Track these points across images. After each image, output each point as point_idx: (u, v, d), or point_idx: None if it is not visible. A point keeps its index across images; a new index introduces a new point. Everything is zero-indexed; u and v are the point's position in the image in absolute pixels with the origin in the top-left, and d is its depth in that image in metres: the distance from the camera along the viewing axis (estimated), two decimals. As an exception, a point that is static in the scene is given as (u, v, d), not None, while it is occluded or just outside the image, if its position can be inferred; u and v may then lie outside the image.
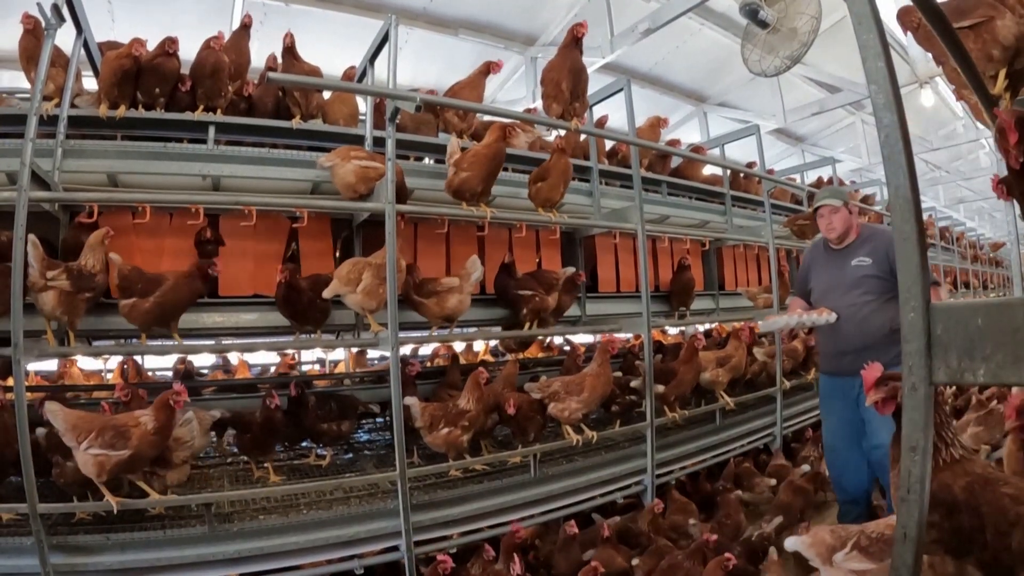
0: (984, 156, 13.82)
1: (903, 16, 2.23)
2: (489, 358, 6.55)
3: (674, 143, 7.07)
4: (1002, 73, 1.98)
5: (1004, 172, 1.68)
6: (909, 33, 2.28)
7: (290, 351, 7.33)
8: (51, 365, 6.03)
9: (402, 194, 3.70)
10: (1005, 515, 1.57)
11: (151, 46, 3.79)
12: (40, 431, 3.02)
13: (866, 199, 9.82)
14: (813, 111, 9.96)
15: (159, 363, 6.87)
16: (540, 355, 7.10)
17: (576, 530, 3.69)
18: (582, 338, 7.31)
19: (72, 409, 3.03)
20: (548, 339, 7.35)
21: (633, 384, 4.74)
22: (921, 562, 1.27)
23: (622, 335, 6.77)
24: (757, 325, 7.10)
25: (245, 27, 4.25)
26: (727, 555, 3.15)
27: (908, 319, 1.25)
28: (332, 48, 5.98)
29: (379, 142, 4.04)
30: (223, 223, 3.77)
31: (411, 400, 3.53)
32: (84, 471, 2.82)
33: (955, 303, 1.24)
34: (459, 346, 7.41)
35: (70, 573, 2.85)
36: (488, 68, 4.81)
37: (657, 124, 6.47)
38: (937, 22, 1.82)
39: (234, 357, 7.24)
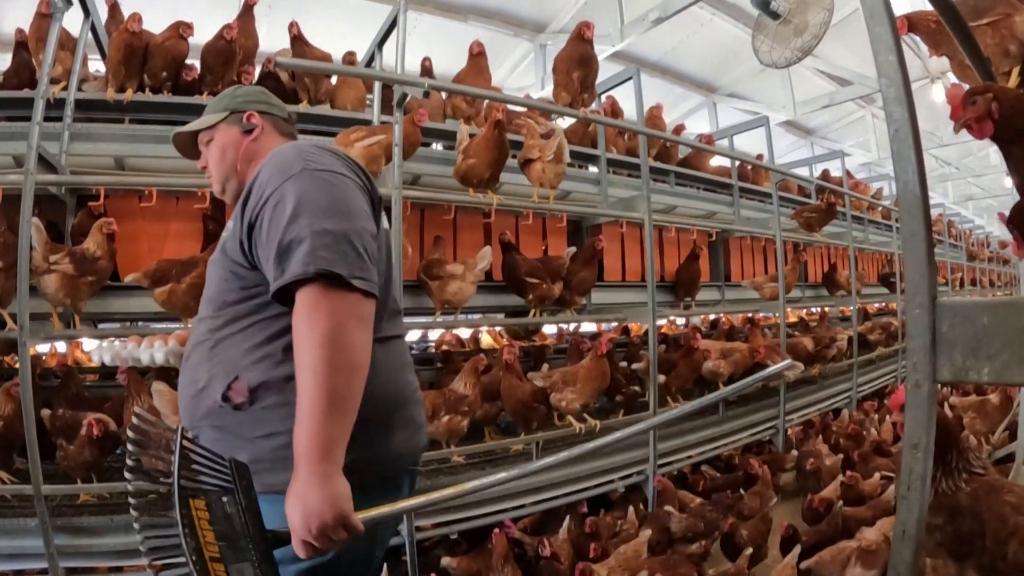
0: (994, 153, 13.71)
1: (915, 20, 2.19)
2: (496, 345, 6.54)
3: (679, 129, 7.03)
4: (1016, 70, 1.96)
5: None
6: (911, 34, 2.25)
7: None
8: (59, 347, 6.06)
9: (412, 141, 3.68)
10: (1005, 524, 1.56)
11: (158, 29, 3.79)
12: (44, 412, 3.04)
13: (875, 194, 9.77)
14: (823, 104, 9.89)
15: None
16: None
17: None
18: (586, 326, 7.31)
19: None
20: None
21: (635, 367, 4.76)
22: (921, 560, 1.27)
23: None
24: (762, 318, 7.12)
25: (248, 8, 4.23)
26: None
27: (913, 315, 1.24)
28: (341, 33, 5.95)
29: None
30: (228, 207, 3.77)
31: (409, 392, 3.51)
32: None
33: (962, 300, 1.23)
34: (467, 335, 7.44)
35: (74, 554, 2.88)
36: (474, 50, 4.86)
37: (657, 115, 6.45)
38: (952, 19, 1.80)
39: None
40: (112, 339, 2.15)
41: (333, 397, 1.26)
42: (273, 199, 1.42)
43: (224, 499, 1.25)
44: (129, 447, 1.29)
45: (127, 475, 1.30)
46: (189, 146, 1.93)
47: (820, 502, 4.04)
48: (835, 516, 3.73)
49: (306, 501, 1.23)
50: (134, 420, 1.30)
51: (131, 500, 1.30)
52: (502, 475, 1.64)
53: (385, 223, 1.67)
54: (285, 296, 1.37)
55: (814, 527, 3.73)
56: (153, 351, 1.84)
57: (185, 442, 1.25)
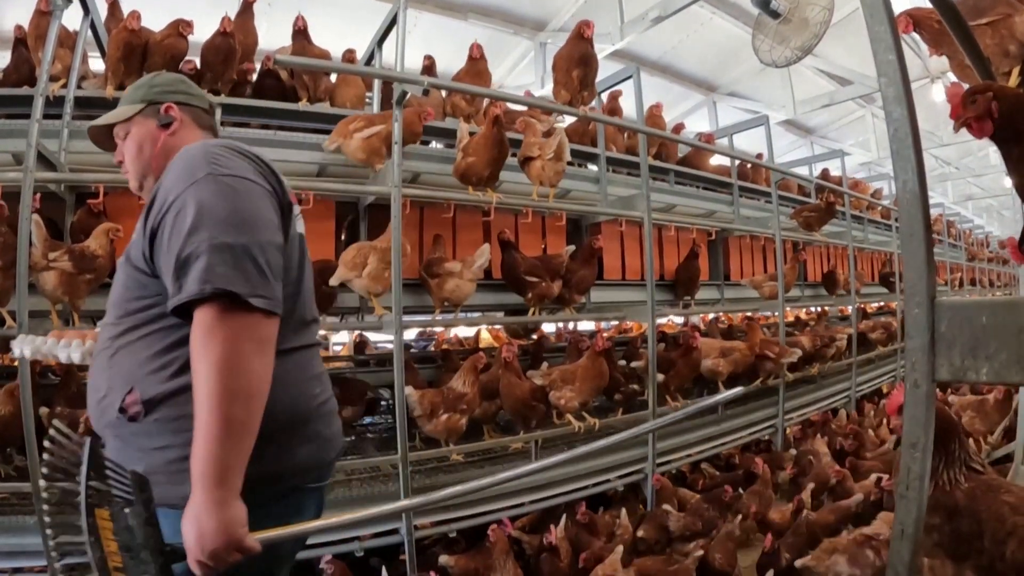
0: (993, 153, 13.69)
1: (919, 17, 2.19)
2: (495, 343, 6.55)
3: (679, 128, 7.03)
4: (1015, 70, 1.96)
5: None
6: (912, 33, 2.25)
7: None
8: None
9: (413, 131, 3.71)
10: (1003, 523, 1.56)
11: (158, 27, 3.79)
12: (43, 410, 3.04)
13: (875, 193, 9.77)
14: (823, 103, 9.88)
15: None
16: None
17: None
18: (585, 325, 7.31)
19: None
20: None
21: (633, 364, 4.76)
22: (919, 560, 1.27)
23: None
24: (763, 317, 7.13)
25: (248, 5, 4.24)
26: None
27: (912, 314, 1.24)
28: (340, 31, 5.95)
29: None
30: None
31: (408, 390, 3.51)
32: None
33: (961, 300, 1.23)
34: (470, 333, 7.46)
35: (73, 551, 2.87)
36: (474, 54, 4.86)
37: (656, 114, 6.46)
38: (952, 19, 1.80)
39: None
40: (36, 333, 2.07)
41: (229, 425, 1.24)
42: (175, 207, 1.36)
43: (126, 511, 1.26)
44: (45, 456, 1.29)
45: (41, 483, 1.31)
46: (105, 139, 1.81)
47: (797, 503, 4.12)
48: (800, 526, 3.73)
49: (200, 525, 1.22)
50: (51, 431, 1.30)
51: (45, 505, 1.30)
52: (418, 499, 1.74)
53: (300, 227, 1.62)
54: (185, 311, 1.31)
55: (781, 540, 3.71)
56: (70, 350, 1.76)
57: (94, 453, 1.27)
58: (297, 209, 1.61)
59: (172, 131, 1.70)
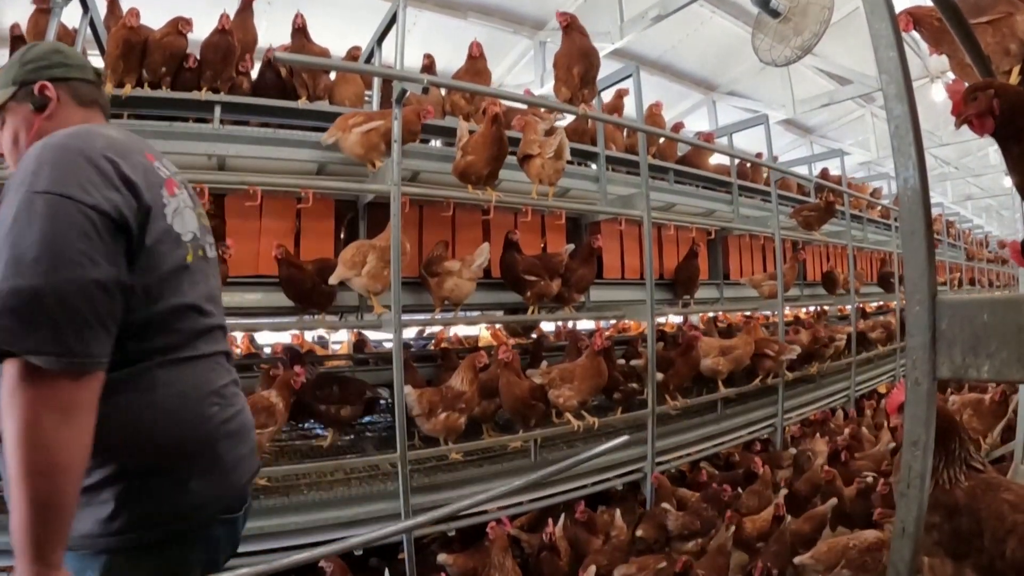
0: (993, 153, 13.72)
1: (919, 16, 2.19)
2: (494, 342, 6.54)
3: (678, 127, 7.02)
4: (1016, 69, 1.96)
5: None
6: (912, 32, 2.25)
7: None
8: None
9: (412, 130, 3.74)
10: (1002, 522, 1.56)
11: (158, 25, 3.79)
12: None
13: (874, 192, 9.77)
14: (823, 103, 9.87)
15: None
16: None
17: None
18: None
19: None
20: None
21: (633, 363, 4.76)
22: (919, 558, 1.27)
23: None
24: (762, 316, 7.14)
25: (247, 3, 4.24)
26: None
27: (913, 312, 1.24)
28: (340, 31, 5.94)
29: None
30: (228, 203, 3.76)
31: (407, 389, 3.50)
32: None
33: (961, 298, 1.23)
34: (472, 332, 7.44)
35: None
36: (473, 52, 4.86)
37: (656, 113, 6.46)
38: (952, 17, 1.80)
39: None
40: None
41: (35, 500, 1.10)
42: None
43: None
44: None
45: None
46: None
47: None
48: (783, 533, 3.73)
49: None
50: None
51: None
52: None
53: (182, 224, 1.44)
54: None
55: (766, 550, 3.69)
56: None
57: None
58: (173, 203, 1.42)
59: (48, 114, 1.48)
